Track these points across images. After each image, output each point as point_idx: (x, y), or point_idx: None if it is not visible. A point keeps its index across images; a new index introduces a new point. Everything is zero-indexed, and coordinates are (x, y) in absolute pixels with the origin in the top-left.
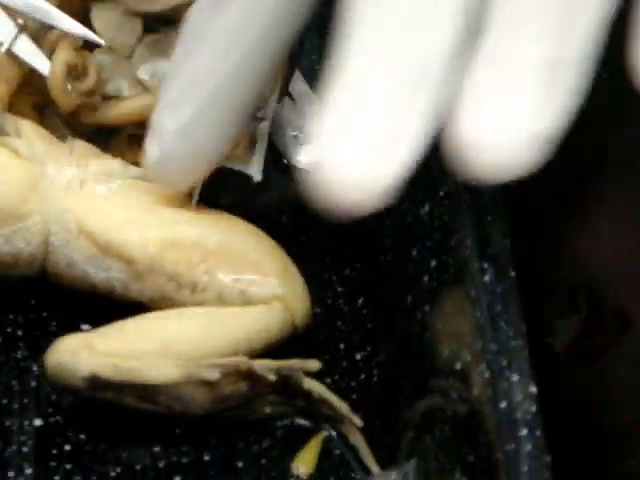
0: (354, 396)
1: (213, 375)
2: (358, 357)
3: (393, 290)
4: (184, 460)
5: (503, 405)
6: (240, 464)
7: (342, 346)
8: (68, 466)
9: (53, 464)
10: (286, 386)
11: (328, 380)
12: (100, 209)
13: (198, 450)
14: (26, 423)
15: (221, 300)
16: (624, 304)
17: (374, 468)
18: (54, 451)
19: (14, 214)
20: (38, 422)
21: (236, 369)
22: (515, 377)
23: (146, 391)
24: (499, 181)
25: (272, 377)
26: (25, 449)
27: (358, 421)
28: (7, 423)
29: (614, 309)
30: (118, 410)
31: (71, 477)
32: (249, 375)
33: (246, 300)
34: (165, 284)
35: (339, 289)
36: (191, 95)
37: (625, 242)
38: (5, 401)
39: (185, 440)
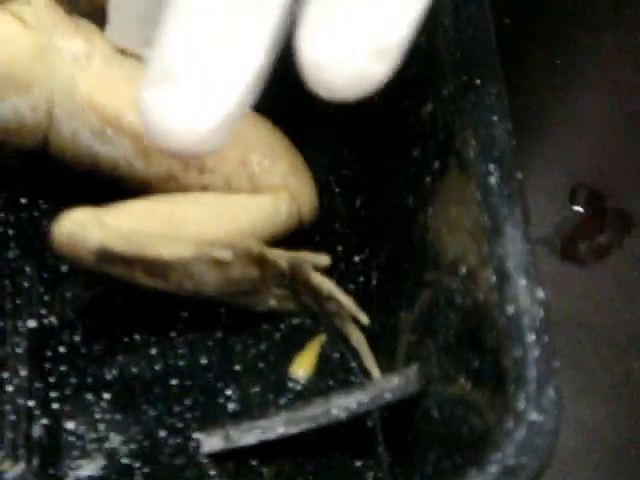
0: (353, 299)
1: (226, 255)
2: (356, 259)
3: (393, 192)
4: (181, 363)
5: (510, 310)
6: (237, 367)
7: (340, 248)
8: (63, 368)
9: (48, 366)
10: (294, 279)
11: None
12: (107, 83)
13: (195, 353)
14: (20, 324)
15: (228, 184)
16: (626, 205)
17: (375, 371)
18: (48, 353)
19: (19, 82)
20: (32, 324)
21: (248, 253)
22: (522, 282)
23: (157, 267)
24: (350, 98)
25: (284, 263)
26: (19, 350)
27: (365, 318)
28: (0, 324)
29: (616, 210)
30: (113, 312)
31: (66, 379)
32: (260, 261)
33: (254, 187)
34: (172, 163)
35: (337, 190)
36: None
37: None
38: None
39: (182, 343)
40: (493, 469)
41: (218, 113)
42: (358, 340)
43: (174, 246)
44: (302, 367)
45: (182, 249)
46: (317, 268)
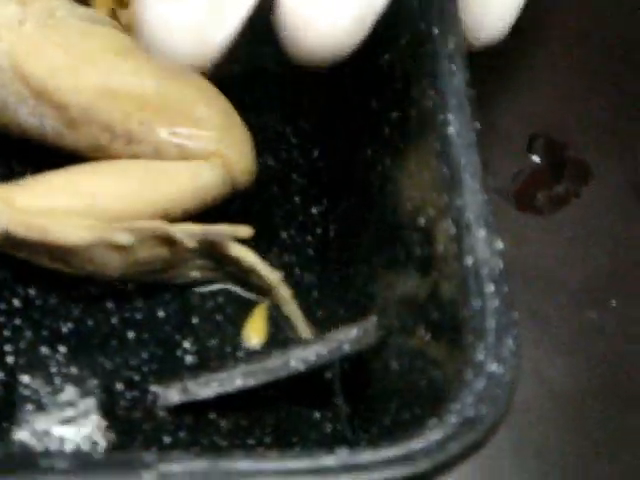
0: (310, 251)
1: (126, 240)
2: (314, 211)
3: (351, 143)
4: (137, 316)
5: (469, 261)
6: (195, 320)
7: (297, 199)
8: (17, 321)
9: (2, 319)
10: (214, 251)
11: (284, 235)
12: (37, 51)
13: (152, 306)
14: None
15: (157, 154)
16: (584, 156)
17: (305, 332)
18: (2, 306)
19: None
20: None
21: (153, 234)
22: (481, 233)
23: (58, 252)
24: (323, 63)
25: (192, 244)
26: None
27: (287, 292)
28: None
29: (573, 160)
30: None
31: (20, 333)
32: (168, 240)
33: (183, 155)
34: (99, 134)
35: (294, 141)
36: None
37: (592, 95)
38: None
39: (138, 296)
40: (452, 419)
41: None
42: (289, 307)
43: (73, 231)
44: (254, 334)
45: (80, 234)
46: (239, 240)
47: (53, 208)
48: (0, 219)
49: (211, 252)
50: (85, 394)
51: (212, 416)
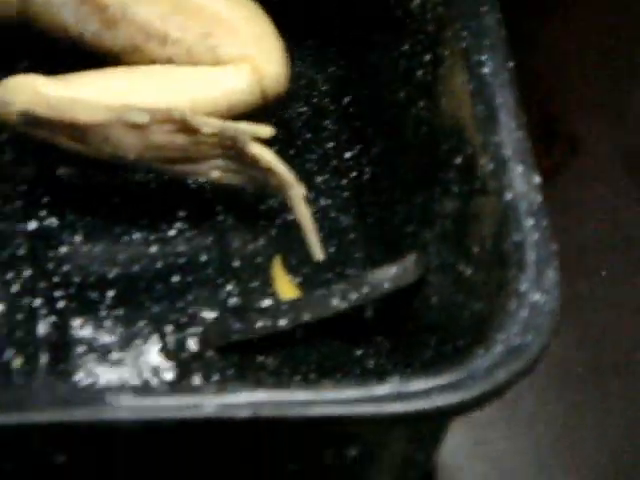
0: (346, 194)
1: (141, 118)
2: (347, 155)
3: (383, 87)
4: (180, 260)
5: (508, 196)
6: (236, 263)
7: (330, 145)
8: (66, 267)
9: (50, 266)
10: (235, 151)
11: (318, 179)
12: None
13: (194, 250)
14: (20, 227)
15: (190, 56)
16: (574, 127)
17: (317, 253)
18: (50, 254)
19: None
20: (32, 225)
21: (170, 117)
22: (519, 168)
23: (76, 131)
24: None
25: (207, 130)
26: (21, 252)
27: (302, 192)
28: (1, 227)
29: (563, 132)
30: (112, 213)
31: (69, 278)
32: (186, 128)
33: (215, 59)
34: (136, 34)
35: (324, 88)
36: None
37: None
38: None
39: (181, 241)
40: (499, 349)
41: None
42: (301, 213)
43: (92, 110)
44: (286, 293)
45: (98, 112)
46: (259, 140)
47: (76, 100)
48: (22, 99)
49: (231, 153)
50: (134, 336)
51: (257, 355)
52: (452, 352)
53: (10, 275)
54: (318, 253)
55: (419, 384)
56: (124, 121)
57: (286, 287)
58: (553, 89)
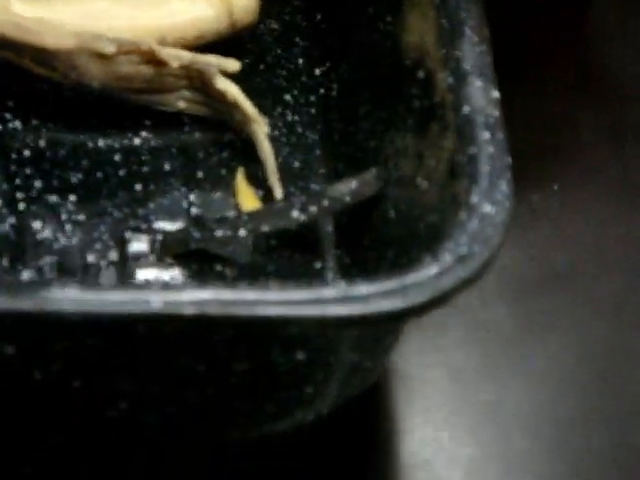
0: (313, 110)
1: (108, 48)
2: (317, 72)
3: (353, 4)
4: (144, 169)
5: (466, 110)
6: (200, 174)
7: (301, 61)
8: (28, 171)
9: (13, 168)
10: (202, 84)
11: (287, 96)
12: None
13: (158, 160)
14: None
15: None
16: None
17: (277, 187)
18: (13, 155)
19: None
20: None
21: (137, 49)
22: (478, 82)
23: (43, 55)
24: None
25: (175, 63)
26: None
27: (264, 128)
28: None
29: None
30: (77, 118)
31: (31, 181)
32: (153, 59)
33: None
34: None
35: (297, 3)
36: None
37: None
38: None
39: (145, 150)
40: (447, 257)
41: None
42: (265, 150)
43: (60, 35)
44: (248, 205)
45: (66, 39)
46: (226, 73)
47: (49, 18)
48: None
49: (198, 85)
50: (94, 242)
51: (216, 265)
52: (407, 264)
53: None
54: (277, 191)
55: (365, 288)
56: (91, 49)
57: (248, 199)
58: None
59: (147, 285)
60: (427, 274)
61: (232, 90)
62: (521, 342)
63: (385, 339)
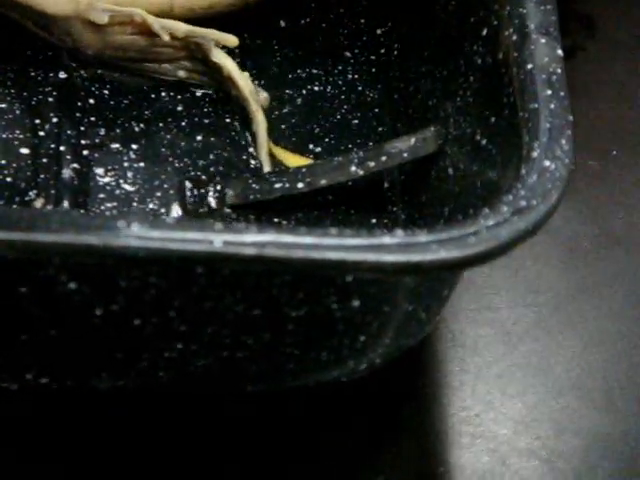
0: (373, 69)
1: (100, 17)
2: (378, 32)
3: None
4: (205, 120)
5: (528, 67)
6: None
7: (362, 21)
8: (92, 118)
9: (77, 115)
10: (200, 55)
11: (348, 54)
12: None
13: (219, 112)
14: (50, 75)
15: None
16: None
17: (265, 163)
18: (78, 104)
19: None
20: (62, 75)
21: (131, 20)
22: (542, 40)
23: (43, 19)
24: None
25: (166, 37)
26: (50, 99)
27: (258, 106)
28: (32, 74)
29: (580, 14)
30: (141, 69)
31: (95, 129)
32: (147, 31)
33: None
34: None
35: None
36: None
37: None
38: (30, 52)
39: (207, 102)
40: (505, 209)
41: None
42: (258, 125)
43: (57, 2)
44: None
45: (62, 5)
46: (225, 47)
47: None
48: None
49: (199, 56)
50: (155, 190)
51: (274, 216)
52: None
53: (37, 121)
54: (266, 166)
55: (424, 237)
56: (85, 18)
57: (291, 159)
58: None
59: (210, 225)
60: (485, 224)
61: (228, 65)
62: (573, 304)
63: (440, 290)
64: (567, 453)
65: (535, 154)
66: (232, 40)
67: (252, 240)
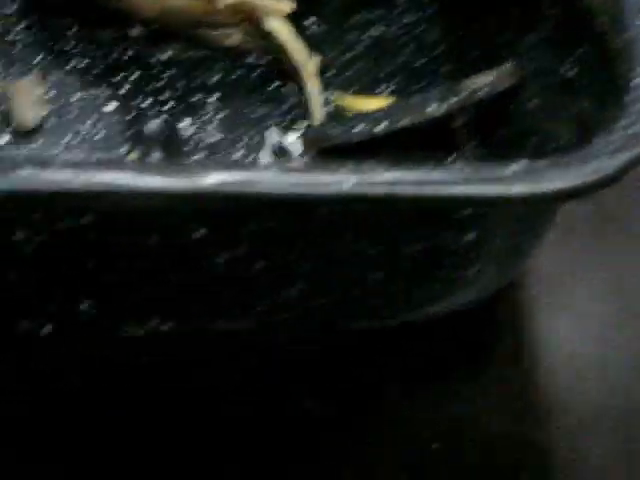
0: (432, 10)
1: None
2: None
3: None
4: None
5: None
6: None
7: None
8: (170, 72)
9: (156, 69)
10: (254, 22)
11: None
12: None
13: None
14: (125, 32)
15: None
16: None
17: (317, 115)
18: (155, 58)
19: None
20: (137, 31)
21: None
22: None
23: None
24: None
25: (221, 4)
26: (128, 55)
27: (312, 67)
28: (109, 31)
29: None
30: None
31: (175, 82)
32: None
33: None
34: None
35: None
36: None
37: None
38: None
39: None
40: (616, 137)
41: None
42: (313, 91)
43: None
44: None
45: None
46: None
47: None
48: None
49: (251, 23)
50: (239, 138)
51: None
52: (551, 153)
53: (119, 77)
54: (318, 116)
55: (545, 164)
56: None
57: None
58: None
59: (338, 167)
60: (602, 152)
61: (283, 32)
62: (567, 283)
63: (544, 221)
64: None
65: (636, 82)
66: (286, 6)
67: (382, 180)
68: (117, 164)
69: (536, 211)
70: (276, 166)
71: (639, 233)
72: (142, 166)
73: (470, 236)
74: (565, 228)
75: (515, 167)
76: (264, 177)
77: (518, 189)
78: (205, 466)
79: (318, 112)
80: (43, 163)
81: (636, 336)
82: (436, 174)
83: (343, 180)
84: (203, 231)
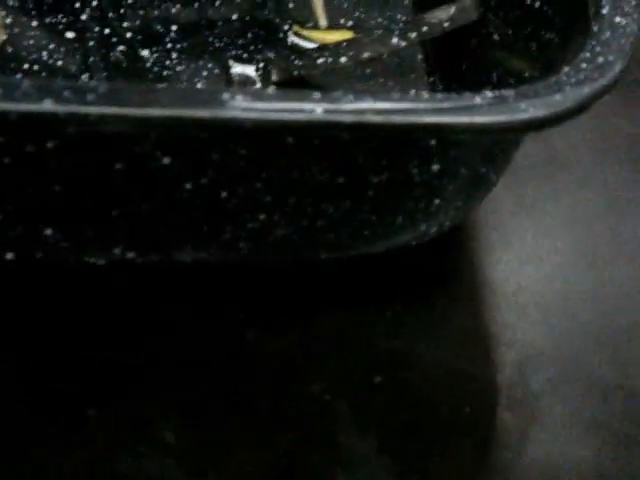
0: None
1: None
2: None
3: None
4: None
5: None
6: (291, 4)
7: None
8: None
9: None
10: None
11: None
12: None
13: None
14: None
15: None
16: None
17: (322, 20)
18: None
19: None
20: None
21: None
22: None
23: None
24: None
25: None
26: None
27: None
28: None
29: None
30: None
31: (135, 11)
32: None
33: None
34: None
35: None
36: None
37: None
38: None
39: None
40: (584, 66)
41: None
42: None
43: None
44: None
45: None
46: None
47: None
48: None
49: None
50: (200, 69)
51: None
52: (515, 84)
53: (78, 4)
54: (322, 21)
55: (511, 93)
56: None
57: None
58: None
59: (309, 95)
60: (569, 82)
61: None
62: (511, 221)
63: (509, 150)
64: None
65: (605, 10)
66: None
67: (352, 108)
68: (84, 88)
69: (501, 142)
70: (244, 93)
71: (587, 175)
72: (109, 92)
73: (436, 167)
74: (516, 169)
75: (484, 97)
76: (234, 103)
77: (490, 118)
78: None
79: (322, 17)
80: (9, 85)
81: (582, 274)
82: (407, 103)
83: (314, 108)
84: (168, 159)
